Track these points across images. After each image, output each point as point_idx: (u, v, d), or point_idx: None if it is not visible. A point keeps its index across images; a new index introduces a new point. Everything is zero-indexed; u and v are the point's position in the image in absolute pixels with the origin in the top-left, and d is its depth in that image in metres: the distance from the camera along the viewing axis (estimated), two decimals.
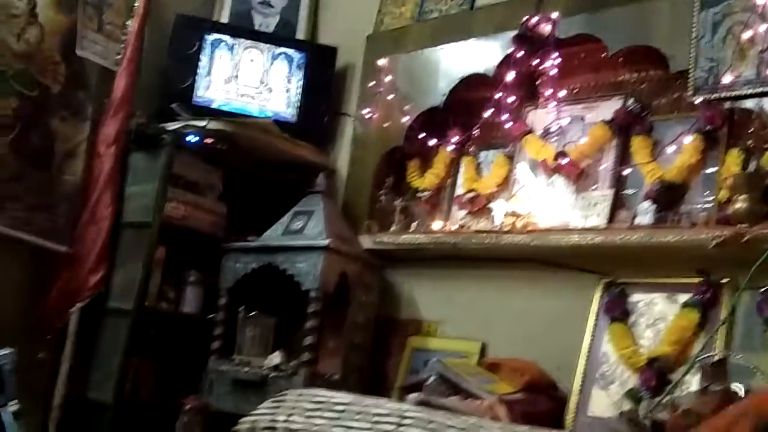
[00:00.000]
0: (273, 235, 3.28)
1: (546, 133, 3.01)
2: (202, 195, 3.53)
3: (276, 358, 3.04)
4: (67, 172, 3.32)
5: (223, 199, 3.59)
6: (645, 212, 2.59)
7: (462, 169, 3.26)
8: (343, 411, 1.85)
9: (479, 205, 3.13)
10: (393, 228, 3.30)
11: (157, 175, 3.26)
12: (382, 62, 3.46)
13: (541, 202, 2.92)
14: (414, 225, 3.26)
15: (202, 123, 3.34)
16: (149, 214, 3.23)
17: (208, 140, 3.43)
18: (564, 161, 2.85)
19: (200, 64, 3.51)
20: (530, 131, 3.03)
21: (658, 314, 2.51)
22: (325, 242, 3.01)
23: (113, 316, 3.24)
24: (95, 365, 3.22)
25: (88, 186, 3.33)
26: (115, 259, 3.30)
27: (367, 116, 3.47)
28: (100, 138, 3.36)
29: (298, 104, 3.59)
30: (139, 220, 3.28)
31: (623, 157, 2.78)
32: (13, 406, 2.13)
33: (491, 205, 3.10)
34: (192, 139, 3.38)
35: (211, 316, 3.34)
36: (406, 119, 3.35)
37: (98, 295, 3.24)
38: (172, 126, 3.34)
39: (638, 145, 2.71)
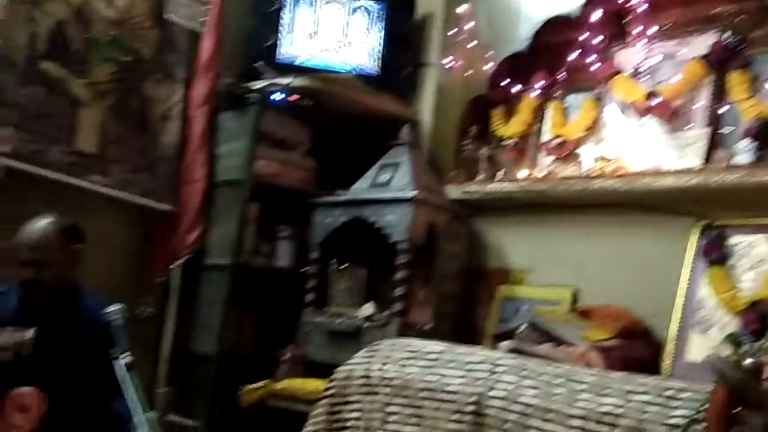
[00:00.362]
0: (360, 189, 3.31)
1: (636, 73, 2.91)
2: (291, 151, 3.59)
3: (368, 309, 3.10)
4: (164, 134, 3.42)
5: (311, 155, 3.64)
6: (743, 151, 2.49)
7: (548, 115, 3.20)
8: (436, 359, 1.88)
9: (567, 151, 3.07)
10: (479, 177, 3.28)
11: (246, 134, 3.34)
12: (462, 9, 3.40)
13: (632, 145, 2.84)
14: (500, 174, 3.24)
15: (286, 81, 3.38)
16: (241, 173, 3.31)
17: (293, 97, 3.47)
18: (655, 101, 2.76)
19: (282, 21, 3.54)
20: (619, 72, 2.93)
21: (760, 256, 2.42)
22: (412, 194, 3.02)
23: (212, 271, 3.37)
24: (197, 319, 3.37)
25: (183, 147, 3.44)
26: (211, 216, 3.42)
27: (449, 65, 3.42)
28: (190, 100, 3.46)
29: (379, 56, 3.57)
30: (231, 178, 3.38)
31: (719, 95, 2.66)
32: (125, 359, 2.25)
33: (579, 150, 3.04)
34: (277, 97, 3.44)
35: (303, 269, 3.42)
36: (489, 66, 3.29)
37: (197, 252, 3.38)
38: (258, 85, 3.40)
39: (735, 81, 2.58)
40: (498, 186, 3.15)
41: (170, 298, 3.39)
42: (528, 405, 1.69)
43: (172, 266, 3.36)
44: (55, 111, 3.00)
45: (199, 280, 3.41)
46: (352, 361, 2.07)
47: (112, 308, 2.42)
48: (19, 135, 2.84)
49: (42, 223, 2.53)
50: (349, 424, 1.95)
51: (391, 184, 3.20)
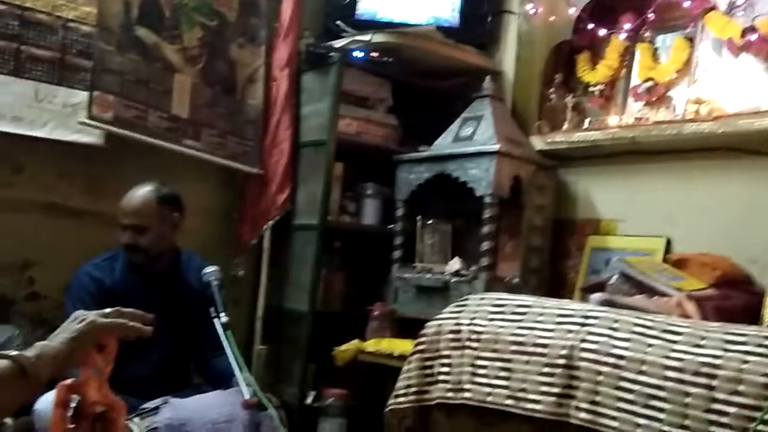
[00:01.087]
0: (443, 144, 3.29)
1: (731, 8, 2.75)
2: (373, 109, 3.60)
3: (455, 264, 3.11)
4: (250, 96, 3.46)
5: (393, 112, 3.64)
6: None
7: (637, 58, 3.07)
8: (525, 313, 1.87)
9: (658, 95, 2.96)
10: (565, 126, 3.21)
11: (328, 94, 3.36)
12: None
13: (728, 85, 2.70)
14: (587, 122, 3.15)
15: (366, 37, 3.37)
16: (324, 133, 3.34)
17: (374, 54, 3.47)
18: (753, 37, 2.61)
19: None
20: (713, 7, 2.78)
21: None
22: (496, 147, 2.98)
23: (300, 231, 3.44)
24: (289, 278, 3.46)
25: (268, 110, 3.49)
26: (297, 177, 3.48)
27: (531, 12, 3.33)
28: (273, 62, 3.50)
29: (459, 7, 3.50)
30: (315, 139, 3.41)
31: None
32: (223, 318, 2.34)
33: (671, 93, 2.92)
34: (358, 54, 3.43)
35: (390, 226, 3.45)
36: (573, 11, 3.19)
37: (286, 213, 3.45)
38: (338, 43, 3.40)
39: None
40: (585, 135, 3.07)
41: (262, 258, 3.48)
42: (621, 357, 1.66)
43: (263, 227, 3.44)
44: (150, 77, 3.07)
45: (289, 240, 3.49)
46: (441, 316, 2.08)
47: (208, 269, 2.52)
48: (120, 101, 2.92)
49: (143, 191, 2.64)
50: (440, 378, 1.97)
51: (474, 138, 3.16)
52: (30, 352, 1.10)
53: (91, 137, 2.97)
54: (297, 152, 3.47)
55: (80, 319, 1.21)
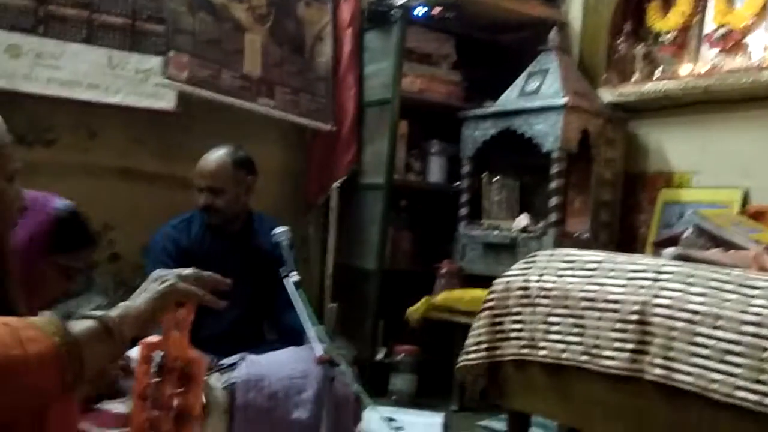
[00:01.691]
0: (509, 99, 3.25)
1: None
2: (436, 66, 3.57)
3: (523, 220, 3.09)
4: (318, 54, 3.46)
5: (456, 68, 3.60)
6: None
7: (711, 3, 2.95)
8: (595, 269, 1.85)
9: (733, 41, 2.84)
10: (635, 77, 3.12)
11: (391, 52, 3.34)
12: None
13: None
14: (658, 72, 3.06)
15: None
16: (388, 91, 3.34)
17: (436, 10, 3.42)
18: None
19: None
20: None
21: None
22: (563, 100, 2.93)
23: (367, 191, 3.47)
24: (357, 237, 3.51)
25: (334, 69, 3.49)
26: (363, 137, 3.49)
27: None
28: (338, 21, 3.49)
29: None
30: (379, 98, 3.41)
31: None
32: (294, 277, 2.39)
33: (747, 39, 2.80)
34: (420, 11, 3.40)
35: (456, 183, 3.44)
36: None
37: (352, 172, 3.47)
38: (400, 1, 3.37)
39: None
40: (656, 85, 2.98)
41: (330, 218, 3.52)
42: (696, 312, 1.63)
43: (330, 187, 3.48)
44: (221, 37, 3.10)
45: (356, 199, 3.52)
46: (509, 272, 2.08)
47: (278, 230, 2.57)
48: (194, 61, 2.96)
49: (219, 153, 2.70)
50: (512, 335, 1.97)
51: (540, 92, 3.11)
52: (114, 312, 1.14)
53: (162, 102, 3.03)
54: (362, 112, 3.48)
55: (161, 279, 1.24)
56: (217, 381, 2.18)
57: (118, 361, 1.43)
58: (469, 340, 2.09)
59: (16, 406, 0.98)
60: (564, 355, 1.82)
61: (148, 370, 1.26)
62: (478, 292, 2.76)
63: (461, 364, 2.08)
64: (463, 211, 3.34)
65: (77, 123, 3.07)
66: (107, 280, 3.10)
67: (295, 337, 2.54)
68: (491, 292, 2.08)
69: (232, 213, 2.69)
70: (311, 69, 3.40)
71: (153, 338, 1.27)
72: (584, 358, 1.76)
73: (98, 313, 1.12)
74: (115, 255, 3.17)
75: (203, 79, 2.98)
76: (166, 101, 3.03)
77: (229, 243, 2.71)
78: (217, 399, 2.16)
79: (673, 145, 3.07)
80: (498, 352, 2.02)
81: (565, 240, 2.92)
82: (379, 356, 3.33)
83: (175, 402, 1.22)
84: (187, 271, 1.28)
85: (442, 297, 3.05)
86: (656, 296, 1.70)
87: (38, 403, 1.02)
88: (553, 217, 2.95)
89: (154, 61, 2.96)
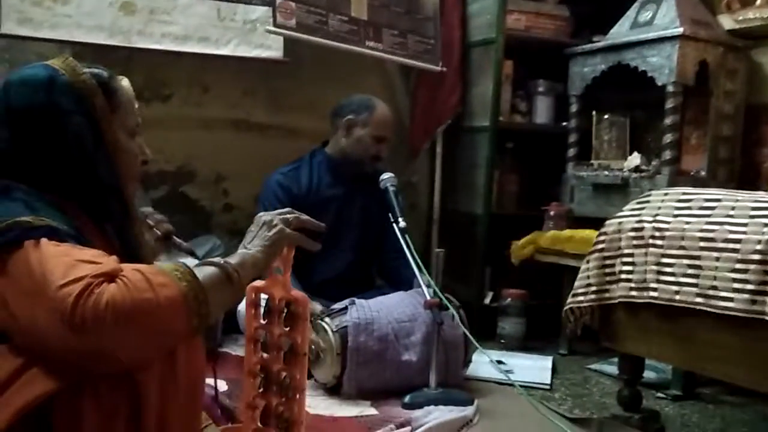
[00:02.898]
0: (620, 32, 3.10)
1: None
2: (542, 1, 3.45)
3: (635, 159, 2.98)
4: None
5: (564, 2, 3.46)
6: None
7: None
8: (714, 208, 1.76)
9: None
10: (758, 1, 2.90)
11: None
12: None
13: None
14: None
15: None
16: (493, 30, 3.25)
17: None
18: None
19: None
20: None
21: None
22: (679, 30, 2.76)
23: (472, 133, 3.42)
24: (462, 182, 3.49)
25: (440, 9, 3.42)
26: (467, 79, 3.43)
27: None
28: None
29: None
30: (484, 37, 3.34)
31: None
32: (401, 223, 2.42)
33: None
34: None
35: (563, 123, 3.35)
36: None
37: (457, 116, 3.44)
38: None
39: None
40: None
41: (435, 162, 3.51)
42: None
43: (435, 132, 3.46)
44: None
45: (461, 143, 3.49)
46: (621, 213, 2.02)
47: (385, 176, 2.59)
48: (301, 7, 2.95)
49: (383, 104, 2.77)
50: (622, 276, 1.93)
51: (654, 22, 2.95)
52: (233, 260, 1.19)
53: (270, 51, 3.07)
54: (466, 53, 3.42)
55: (270, 225, 1.29)
56: (328, 325, 2.25)
57: None
58: (578, 282, 2.06)
59: (149, 347, 1.05)
60: (677, 297, 1.76)
61: (257, 314, 1.31)
62: (588, 233, 2.71)
63: (569, 306, 2.06)
64: (572, 151, 3.25)
65: (191, 78, 3.18)
66: (222, 230, 3.24)
67: (402, 281, 2.58)
68: (601, 234, 2.03)
69: None
70: (418, 9, 3.32)
71: (258, 282, 1.32)
72: (699, 299, 1.70)
73: (218, 259, 1.18)
74: (229, 205, 3.29)
75: (311, 25, 2.97)
76: (274, 50, 3.07)
77: (341, 189, 2.76)
78: (330, 342, 2.23)
79: None
80: (607, 294, 1.98)
81: (680, 178, 2.80)
82: (487, 300, 3.33)
83: (284, 342, 1.27)
84: (288, 213, 1.32)
85: (550, 237, 2.99)
86: None
87: (168, 344, 1.09)
88: (667, 154, 2.82)
89: (261, 11, 2.99)
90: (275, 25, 2.88)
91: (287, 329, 1.26)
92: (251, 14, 3.04)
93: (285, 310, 1.27)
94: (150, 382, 1.06)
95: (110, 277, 1.02)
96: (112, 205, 1.25)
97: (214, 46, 3.01)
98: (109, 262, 1.06)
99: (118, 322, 0.98)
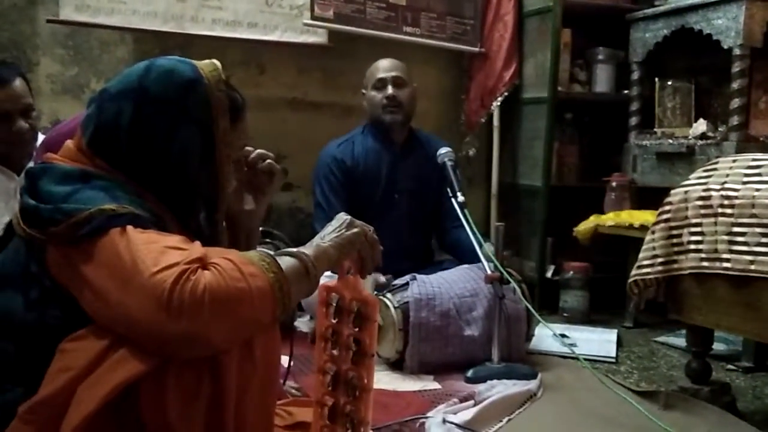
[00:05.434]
0: None
1: None
2: None
3: (701, 126, 2.89)
4: None
5: None
6: None
7: None
8: None
9: None
10: None
11: None
12: None
13: None
14: None
15: None
16: None
17: None
18: None
19: None
20: None
21: None
22: None
23: (530, 105, 3.37)
24: (521, 154, 3.44)
25: None
26: (523, 50, 3.38)
27: None
28: None
29: None
30: (540, 6, 3.27)
31: None
32: (460, 197, 2.40)
33: None
34: None
35: (625, 92, 3.27)
36: None
37: (514, 88, 3.39)
38: None
39: None
40: None
41: (493, 136, 3.48)
42: None
43: (491, 105, 3.42)
44: None
45: (519, 115, 3.44)
46: (687, 182, 1.96)
47: (442, 150, 2.58)
48: None
49: (385, 59, 2.79)
50: (691, 247, 1.87)
51: None
52: (309, 252, 1.19)
53: (316, 37, 3.14)
54: (521, 23, 3.36)
55: (350, 224, 1.28)
56: (390, 301, 2.26)
57: None
58: (643, 254, 2.01)
59: (238, 334, 1.07)
60: (752, 267, 1.71)
61: (328, 313, 1.32)
62: (648, 216, 2.63)
63: (634, 278, 2.01)
64: (634, 120, 3.17)
65: (248, 59, 3.23)
66: (282, 210, 3.28)
67: (463, 255, 2.57)
68: (666, 204, 1.97)
69: (408, 112, 2.76)
70: None
71: (330, 282, 1.32)
72: None
73: (295, 250, 1.19)
74: (288, 184, 3.32)
75: (348, 14, 3.05)
76: (320, 35, 3.14)
77: (392, 158, 2.77)
78: (392, 318, 2.24)
79: None
80: (675, 266, 1.93)
81: (749, 145, 2.70)
82: (549, 274, 3.29)
83: (353, 341, 1.27)
84: (370, 230, 1.31)
85: (611, 218, 2.92)
86: None
87: (253, 332, 1.11)
88: (734, 120, 2.73)
89: None
90: (313, 17, 2.98)
91: (356, 330, 1.27)
92: (297, 0, 3.07)
93: (355, 311, 1.28)
94: (230, 363, 1.08)
95: (203, 263, 1.04)
96: (200, 210, 1.30)
97: (263, 32, 3.08)
98: (196, 248, 1.08)
99: (214, 308, 1.00)
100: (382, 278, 2.44)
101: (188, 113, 1.21)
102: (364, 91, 2.84)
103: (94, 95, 1.27)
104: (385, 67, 2.79)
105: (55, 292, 1.11)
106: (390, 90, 2.74)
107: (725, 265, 1.78)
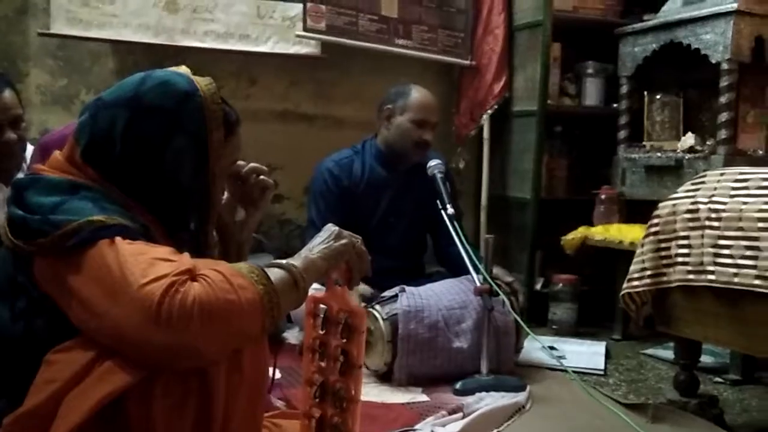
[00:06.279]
0: (672, 9, 3.02)
1: None
2: None
3: (689, 139, 2.91)
4: None
5: None
6: None
7: None
8: None
9: None
10: None
11: None
12: None
13: None
14: None
15: None
16: (540, 12, 3.21)
17: None
18: None
19: None
20: None
21: None
22: (734, 5, 2.68)
23: (520, 118, 3.39)
24: (511, 167, 3.45)
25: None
26: (513, 63, 3.40)
27: None
28: None
29: None
30: (530, 20, 3.29)
31: None
32: (450, 210, 2.40)
33: None
34: None
35: (614, 105, 3.29)
36: None
37: (504, 101, 3.40)
38: None
39: None
40: None
41: (483, 148, 3.49)
42: None
43: (481, 118, 3.44)
44: None
45: (508, 128, 3.46)
46: (675, 195, 1.97)
47: (432, 163, 2.58)
48: (331, 9, 3.01)
49: (425, 90, 2.73)
50: (678, 259, 1.88)
51: None
52: (298, 263, 1.19)
53: (309, 48, 3.14)
54: (512, 37, 3.38)
55: (339, 236, 1.28)
56: (379, 313, 2.26)
57: None
58: (633, 267, 2.02)
59: (226, 346, 1.07)
60: (736, 280, 1.72)
61: (316, 324, 1.32)
62: (638, 231, 2.64)
63: (625, 291, 2.02)
64: (623, 133, 3.19)
65: (238, 70, 3.23)
66: (272, 220, 3.27)
67: (460, 272, 2.56)
68: (655, 217, 1.99)
69: None
70: (450, 2, 3.35)
71: (317, 293, 1.32)
72: (758, 282, 1.66)
73: (284, 262, 1.18)
74: (279, 196, 3.32)
75: (340, 26, 3.06)
76: (312, 47, 3.14)
77: (392, 180, 2.74)
78: (381, 330, 2.24)
79: None
80: (664, 278, 1.94)
81: (736, 158, 2.72)
82: (538, 286, 3.30)
83: (340, 353, 1.27)
84: (358, 241, 1.31)
85: (600, 232, 2.93)
86: None
87: (242, 343, 1.11)
88: (722, 134, 2.75)
89: (298, 8, 3.03)
90: (305, 29, 2.97)
91: (344, 341, 1.27)
92: (289, 11, 3.10)
93: (342, 322, 1.27)
94: (218, 375, 1.08)
95: (192, 275, 1.04)
96: (191, 221, 1.30)
97: (254, 44, 3.09)
98: (185, 259, 1.08)
99: (203, 320, 1.01)
100: (369, 290, 2.44)
101: (182, 124, 1.22)
102: (389, 107, 2.69)
103: (88, 103, 1.27)
104: (430, 108, 2.69)
105: (42, 303, 1.11)
106: (430, 136, 2.67)
107: (710, 277, 1.79)
